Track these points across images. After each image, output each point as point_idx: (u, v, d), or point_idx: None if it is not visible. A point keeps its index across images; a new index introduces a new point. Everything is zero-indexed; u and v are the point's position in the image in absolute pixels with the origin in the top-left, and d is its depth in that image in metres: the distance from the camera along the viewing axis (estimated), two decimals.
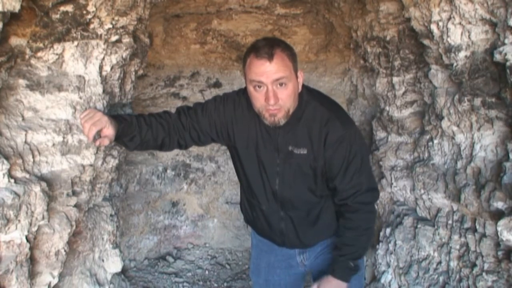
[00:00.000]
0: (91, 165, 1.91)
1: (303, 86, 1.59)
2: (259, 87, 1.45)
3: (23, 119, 1.58)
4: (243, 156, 1.70)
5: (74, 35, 1.68)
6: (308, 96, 1.60)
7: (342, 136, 1.54)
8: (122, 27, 1.89)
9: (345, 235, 1.66)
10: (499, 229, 1.64)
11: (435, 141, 2.28)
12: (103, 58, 1.87)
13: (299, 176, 1.63)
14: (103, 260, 2.22)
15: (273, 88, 1.43)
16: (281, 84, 1.44)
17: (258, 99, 1.48)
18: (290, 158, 1.60)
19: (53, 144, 1.69)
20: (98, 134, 1.49)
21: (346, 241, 1.66)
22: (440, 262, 2.24)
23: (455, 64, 1.92)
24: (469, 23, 1.77)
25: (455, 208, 2.15)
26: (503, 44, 1.60)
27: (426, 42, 2.16)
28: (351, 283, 1.69)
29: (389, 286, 2.65)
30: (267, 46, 1.43)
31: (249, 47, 1.51)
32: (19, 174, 1.50)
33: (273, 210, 1.72)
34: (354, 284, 1.74)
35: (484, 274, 1.85)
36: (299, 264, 1.86)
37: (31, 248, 1.52)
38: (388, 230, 2.73)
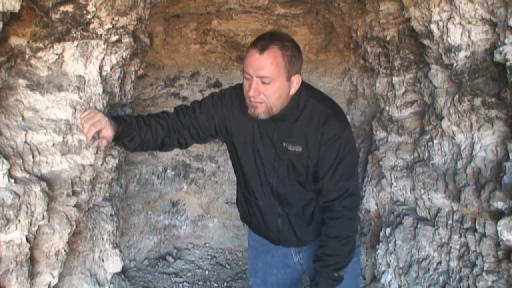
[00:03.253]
0: (91, 165, 1.91)
1: (303, 84, 1.57)
2: (246, 76, 1.47)
3: (23, 119, 1.58)
4: (241, 150, 1.70)
5: (74, 35, 1.68)
6: (308, 95, 1.59)
7: (338, 135, 1.55)
8: (122, 27, 1.89)
9: (328, 245, 1.63)
10: (499, 229, 1.64)
11: (435, 141, 2.28)
12: (103, 58, 1.87)
13: (292, 172, 1.63)
14: (103, 260, 2.22)
15: (257, 81, 1.44)
16: (263, 82, 1.44)
17: (245, 87, 1.50)
18: (284, 154, 1.61)
19: (53, 144, 1.68)
20: (97, 135, 1.49)
21: (328, 251, 1.62)
22: (440, 262, 2.24)
23: (455, 64, 1.92)
24: (469, 23, 1.77)
25: (455, 208, 2.15)
26: (503, 44, 1.60)
27: (426, 42, 2.16)
28: (347, 283, 1.68)
29: (389, 286, 2.65)
30: (267, 39, 1.43)
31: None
32: (19, 174, 1.50)
33: (270, 205, 1.72)
34: (350, 284, 1.73)
35: (484, 274, 1.85)
36: (296, 263, 1.86)
37: (31, 248, 1.52)
38: (388, 230, 2.73)
